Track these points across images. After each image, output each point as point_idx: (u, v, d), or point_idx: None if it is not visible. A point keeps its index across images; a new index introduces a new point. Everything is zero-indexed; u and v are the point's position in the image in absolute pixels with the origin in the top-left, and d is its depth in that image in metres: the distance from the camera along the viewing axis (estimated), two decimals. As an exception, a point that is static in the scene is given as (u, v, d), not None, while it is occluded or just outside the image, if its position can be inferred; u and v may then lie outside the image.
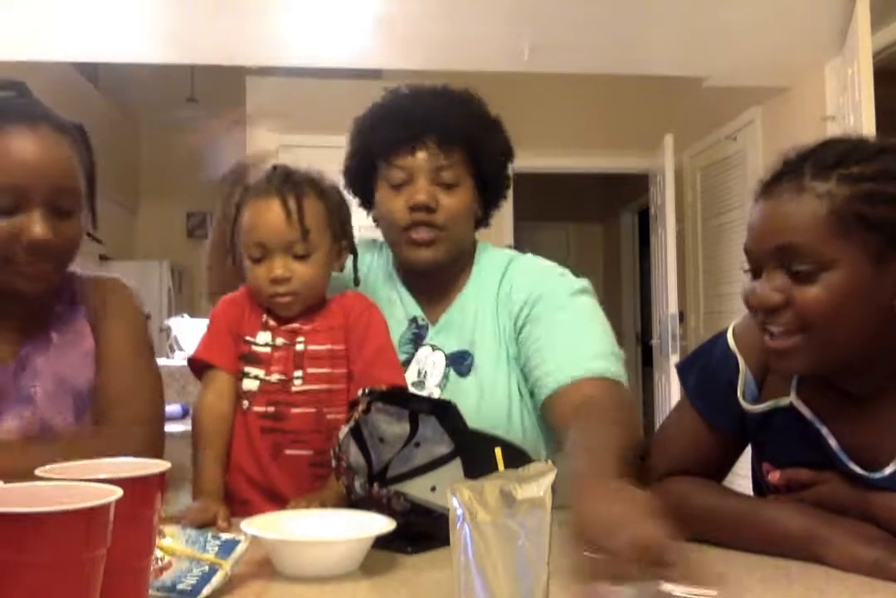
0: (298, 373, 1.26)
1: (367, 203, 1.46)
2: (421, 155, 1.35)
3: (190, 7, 3.65)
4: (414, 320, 1.43)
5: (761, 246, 0.98)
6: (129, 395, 1.23)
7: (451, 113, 1.37)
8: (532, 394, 1.35)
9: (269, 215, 1.26)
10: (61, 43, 4.08)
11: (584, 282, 1.41)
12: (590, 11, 3.67)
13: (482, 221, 1.49)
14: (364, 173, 1.42)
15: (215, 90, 6.55)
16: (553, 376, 1.29)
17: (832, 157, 0.97)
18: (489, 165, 1.41)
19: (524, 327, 1.36)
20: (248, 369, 1.27)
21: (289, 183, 1.28)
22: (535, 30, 3.89)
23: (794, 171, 0.98)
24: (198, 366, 1.31)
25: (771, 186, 0.99)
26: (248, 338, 1.29)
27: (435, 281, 1.44)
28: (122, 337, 1.27)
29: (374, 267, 1.49)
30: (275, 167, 1.32)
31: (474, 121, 1.40)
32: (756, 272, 1.00)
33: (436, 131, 1.35)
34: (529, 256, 1.48)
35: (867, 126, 3.21)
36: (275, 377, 1.26)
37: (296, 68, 4.83)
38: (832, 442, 1.03)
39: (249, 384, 1.27)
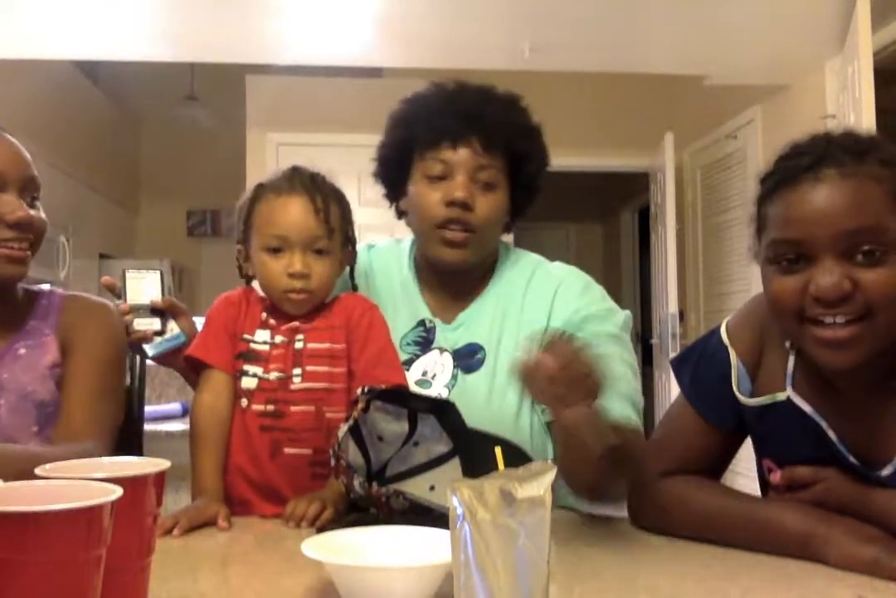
0: (297, 371, 1.26)
1: (393, 194, 1.46)
2: (464, 151, 1.34)
3: (190, 5, 3.65)
4: (422, 322, 1.42)
5: (820, 233, 0.94)
6: (88, 426, 1.28)
7: (499, 115, 1.37)
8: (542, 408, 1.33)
9: (296, 209, 1.26)
10: (61, 42, 4.07)
11: (627, 316, 1.39)
12: (590, 11, 3.67)
13: (508, 227, 1.48)
14: (400, 163, 1.41)
15: (215, 89, 6.56)
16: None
17: (857, 144, 0.97)
18: (526, 173, 1.40)
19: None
20: (246, 367, 1.27)
21: (315, 183, 1.29)
22: (535, 30, 3.89)
23: (827, 157, 0.96)
24: (194, 364, 1.31)
25: (805, 175, 0.96)
26: (246, 336, 1.29)
27: (457, 281, 1.43)
28: (92, 363, 1.32)
29: (373, 269, 1.48)
30: (295, 168, 1.32)
31: (519, 127, 1.39)
32: (796, 263, 0.97)
33: (481, 130, 1.34)
34: (558, 263, 1.47)
35: (867, 125, 3.21)
36: (273, 375, 1.26)
37: (296, 67, 4.83)
38: (832, 435, 1.03)
39: (248, 383, 1.27)
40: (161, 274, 1.41)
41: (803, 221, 0.96)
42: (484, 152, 1.34)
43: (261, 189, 1.30)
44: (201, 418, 1.26)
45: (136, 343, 1.38)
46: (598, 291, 1.42)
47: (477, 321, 1.40)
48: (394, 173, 1.43)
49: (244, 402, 1.26)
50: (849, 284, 0.93)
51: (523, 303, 1.40)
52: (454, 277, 1.43)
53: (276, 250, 1.26)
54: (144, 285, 1.39)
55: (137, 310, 1.37)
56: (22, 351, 1.30)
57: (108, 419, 1.32)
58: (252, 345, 1.28)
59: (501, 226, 1.42)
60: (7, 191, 1.25)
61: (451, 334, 1.40)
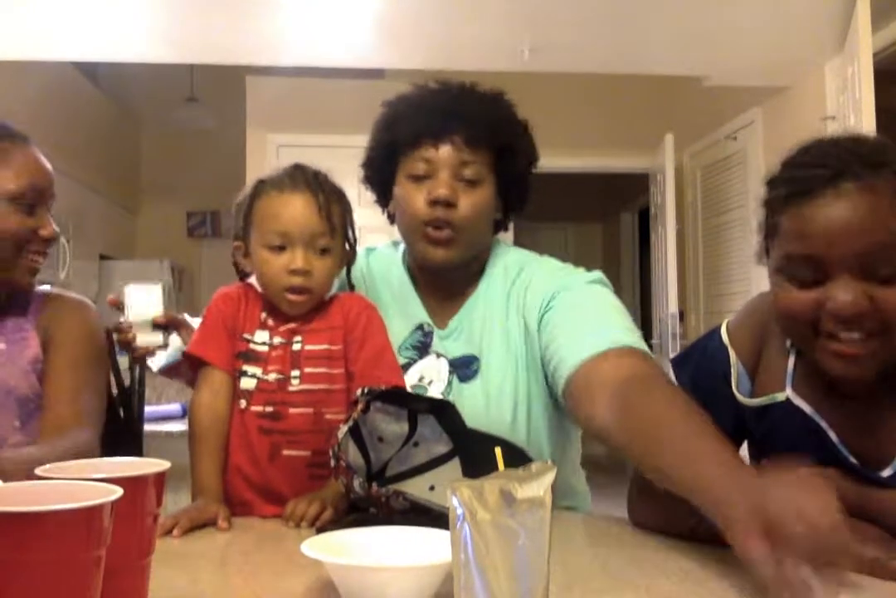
0: (296, 373, 1.26)
1: (384, 199, 1.45)
2: (445, 148, 1.33)
3: (190, 6, 3.65)
4: (420, 327, 1.42)
5: (839, 250, 0.93)
6: (74, 417, 1.31)
7: (480, 110, 1.36)
8: (551, 382, 1.30)
9: (299, 206, 1.25)
10: (61, 43, 4.07)
11: (598, 274, 1.38)
12: (590, 11, 3.67)
13: (502, 224, 1.47)
14: (385, 166, 1.41)
15: (215, 90, 6.57)
16: (574, 355, 1.22)
17: (872, 154, 0.96)
18: (513, 167, 1.39)
19: (542, 319, 1.33)
20: (245, 367, 1.27)
21: (318, 181, 1.28)
22: (534, 30, 3.89)
23: (845, 170, 0.94)
24: (192, 361, 1.30)
25: (822, 189, 0.95)
26: (245, 336, 1.29)
27: (448, 282, 1.42)
28: (72, 359, 1.36)
29: (373, 273, 1.48)
30: (297, 165, 1.32)
31: (502, 121, 1.38)
32: (811, 278, 0.96)
33: (463, 127, 1.33)
34: (544, 259, 1.46)
35: (867, 126, 3.21)
36: (272, 376, 1.26)
37: (296, 68, 4.83)
38: (832, 435, 1.03)
39: (247, 383, 1.26)
40: (163, 287, 1.41)
41: (821, 238, 0.94)
42: (466, 148, 1.33)
43: (261, 185, 1.29)
44: (200, 418, 1.26)
45: (140, 359, 1.39)
46: (570, 268, 1.42)
47: (468, 330, 1.39)
48: (381, 176, 1.42)
49: (243, 403, 1.26)
50: (866, 302, 0.92)
51: (507, 307, 1.39)
52: (443, 278, 1.42)
53: (277, 248, 1.25)
54: (146, 300, 1.39)
55: (140, 326, 1.38)
56: (1, 346, 1.31)
57: (94, 411, 1.35)
58: (252, 345, 1.28)
59: (489, 223, 1.41)
60: (43, 206, 1.31)
61: (446, 343, 1.40)
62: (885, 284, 0.93)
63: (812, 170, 0.97)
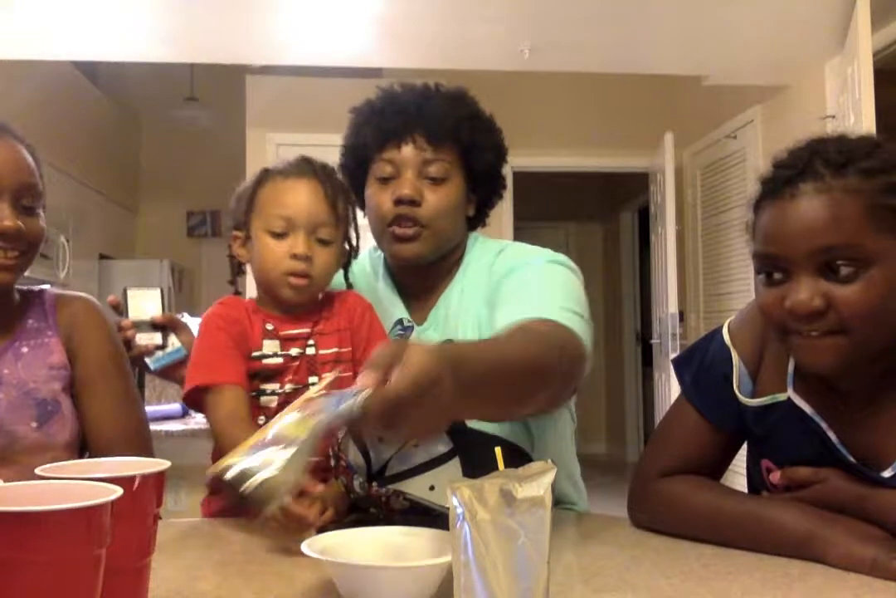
0: (314, 379, 1.24)
1: (360, 201, 1.46)
2: (407, 148, 1.35)
3: (190, 6, 3.65)
4: (399, 321, 1.42)
5: (794, 250, 0.95)
6: (124, 424, 1.33)
7: (441, 109, 1.37)
8: None
9: (304, 192, 1.25)
10: (61, 42, 4.07)
11: (563, 257, 1.37)
12: (590, 11, 3.67)
13: (478, 220, 1.48)
14: (356, 171, 1.42)
15: (215, 89, 6.57)
16: (501, 324, 1.19)
17: (840, 154, 0.96)
18: (480, 163, 1.40)
19: (495, 292, 1.33)
20: (262, 386, 1.25)
21: (325, 172, 1.28)
22: (535, 30, 3.89)
23: (805, 171, 0.96)
24: (195, 399, 1.24)
25: (784, 189, 0.97)
26: (255, 353, 1.26)
27: (423, 277, 1.43)
28: (103, 366, 1.35)
29: (354, 276, 1.48)
30: (304, 156, 1.31)
31: (464, 118, 1.39)
32: (777, 277, 0.98)
33: (424, 126, 1.35)
34: (519, 243, 1.46)
35: (867, 125, 3.21)
36: (288, 388, 1.24)
37: (296, 67, 4.83)
38: (832, 436, 1.03)
39: (267, 401, 1.24)
40: (161, 291, 1.43)
41: (779, 238, 0.97)
42: (429, 146, 1.35)
43: (266, 173, 1.29)
44: (226, 422, 1.19)
45: (138, 357, 1.39)
46: (538, 249, 1.40)
47: (444, 319, 1.39)
48: (354, 181, 1.43)
49: (262, 419, 1.23)
50: (820, 301, 0.94)
51: (487, 291, 1.37)
52: (420, 274, 1.42)
53: (280, 234, 1.24)
54: (145, 302, 1.41)
55: (139, 325, 1.40)
56: (24, 349, 1.31)
57: (143, 431, 1.37)
58: (264, 361, 1.25)
59: (458, 218, 1.41)
60: (1, 199, 1.23)
61: (425, 336, 1.39)
62: (842, 283, 0.94)
63: (780, 170, 0.99)
